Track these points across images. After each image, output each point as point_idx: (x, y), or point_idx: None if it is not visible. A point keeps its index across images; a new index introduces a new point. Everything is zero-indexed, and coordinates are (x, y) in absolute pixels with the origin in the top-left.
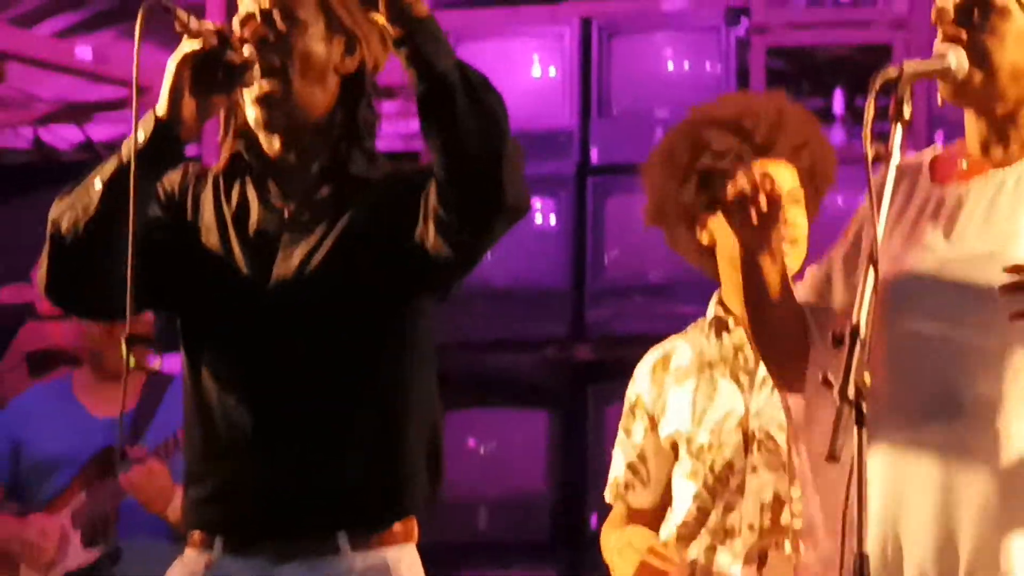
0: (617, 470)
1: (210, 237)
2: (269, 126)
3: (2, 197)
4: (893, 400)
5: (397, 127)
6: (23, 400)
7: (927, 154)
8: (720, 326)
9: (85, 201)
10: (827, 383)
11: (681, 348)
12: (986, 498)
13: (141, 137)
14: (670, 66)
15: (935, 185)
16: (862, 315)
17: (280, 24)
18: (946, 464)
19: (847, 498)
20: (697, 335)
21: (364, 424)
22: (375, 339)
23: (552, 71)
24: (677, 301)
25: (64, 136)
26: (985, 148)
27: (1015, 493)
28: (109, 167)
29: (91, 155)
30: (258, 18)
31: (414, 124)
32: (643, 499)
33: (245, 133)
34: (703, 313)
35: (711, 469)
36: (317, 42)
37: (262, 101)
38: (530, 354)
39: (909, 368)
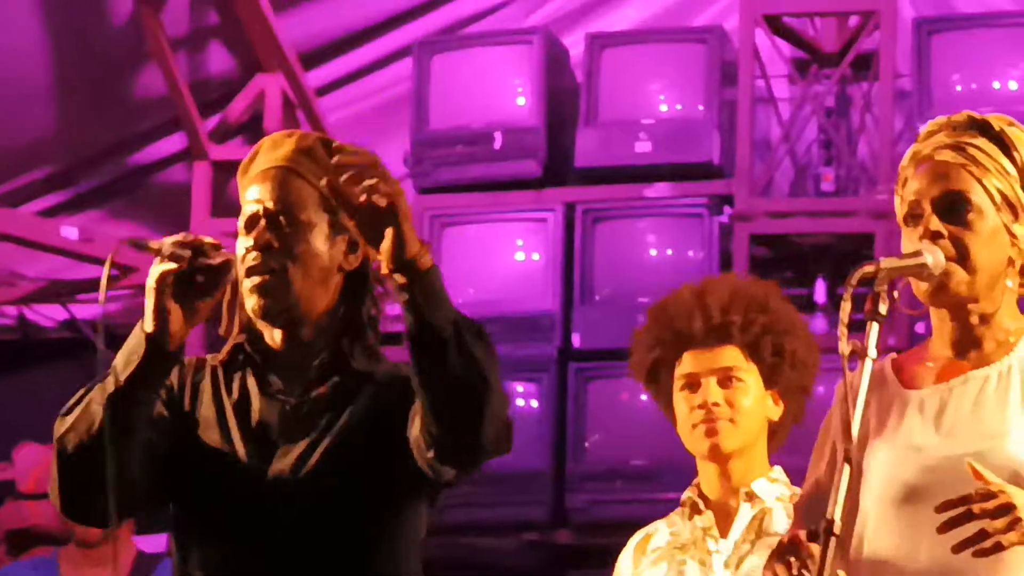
0: None
1: (209, 429)
2: (266, 315)
3: None
4: None
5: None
6: (7, 572)
7: (886, 361)
8: (693, 509)
9: (87, 421)
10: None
11: (661, 531)
12: None
13: (135, 357)
14: (653, 252)
15: (906, 390)
16: (836, 511)
17: (285, 228)
18: None
19: None
20: (676, 518)
21: None
22: (368, 539)
23: (536, 255)
24: (660, 487)
25: (48, 314)
26: (958, 349)
27: None
28: (107, 385)
29: (75, 333)
30: (262, 222)
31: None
32: None
33: (249, 327)
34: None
35: None
36: (321, 243)
37: (258, 290)
38: (511, 538)
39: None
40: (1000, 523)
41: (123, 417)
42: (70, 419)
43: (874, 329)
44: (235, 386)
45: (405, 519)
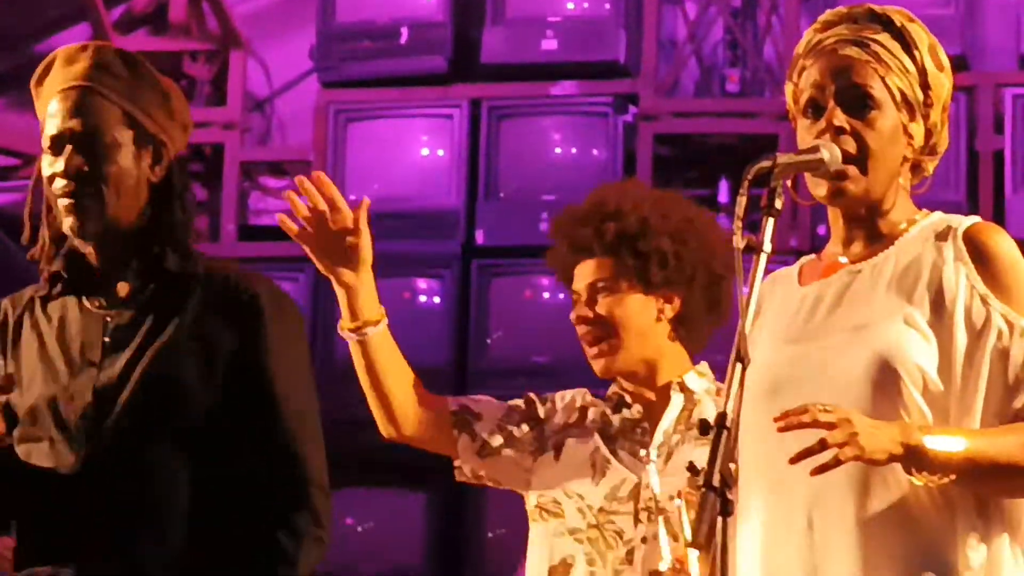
0: None
1: (31, 364)
2: (83, 234)
3: None
4: (758, 480)
5: (285, 203)
6: None
7: (800, 263)
8: (620, 402)
9: None
10: (693, 470)
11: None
12: (850, 563)
13: None
14: (558, 150)
15: (799, 288)
16: (729, 404)
17: (93, 150)
18: (811, 535)
19: None
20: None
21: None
22: (196, 443)
23: (440, 152)
24: (562, 384)
25: None
26: (847, 245)
27: (876, 555)
28: None
29: None
30: (69, 147)
31: None
32: None
33: (60, 252)
34: None
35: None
36: (128, 161)
37: (74, 211)
38: None
39: (771, 451)
40: (838, 435)
41: None
42: None
43: (769, 224)
44: (55, 315)
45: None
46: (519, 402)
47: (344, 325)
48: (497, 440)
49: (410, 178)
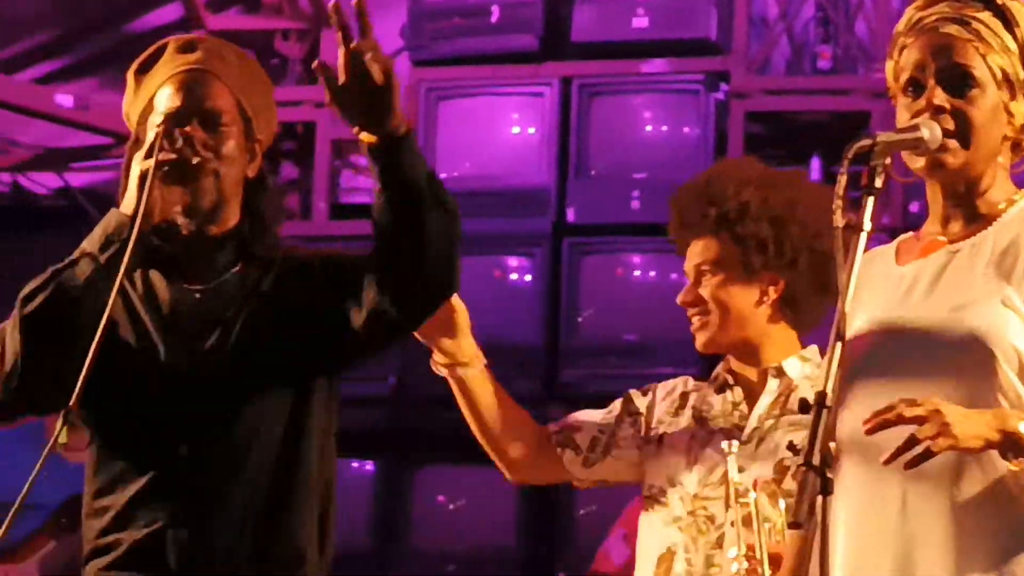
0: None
1: (120, 326)
2: (193, 211)
3: None
4: (854, 457)
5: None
6: None
7: (897, 241)
8: (724, 384)
9: (63, 301)
10: (792, 449)
11: (685, 382)
12: (944, 544)
13: (116, 237)
14: (648, 128)
15: (897, 267)
16: (829, 384)
17: (214, 128)
18: (904, 516)
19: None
20: (705, 388)
21: (259, 498)
22: (280, 415)
23: (531, 130)
24: (653, 362)
25: (42, 182)
26: (946, 224)
27: (970, 537)
28: (81, 266)
29: (69, 201)
30: (194, 120)
31: None
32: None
33: (152, 222)
34: (678, 374)
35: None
36: (239, 149)
37: (190, 185)
38: None
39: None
40: (928, 429)
41: (100, 297)
42: (39, 299)
43: (869, 203)
44: (138, 281)
45: (316, 391)
46: (617, 402)
47: (437, 360)
48: (600, 446)
49: (501, 156)
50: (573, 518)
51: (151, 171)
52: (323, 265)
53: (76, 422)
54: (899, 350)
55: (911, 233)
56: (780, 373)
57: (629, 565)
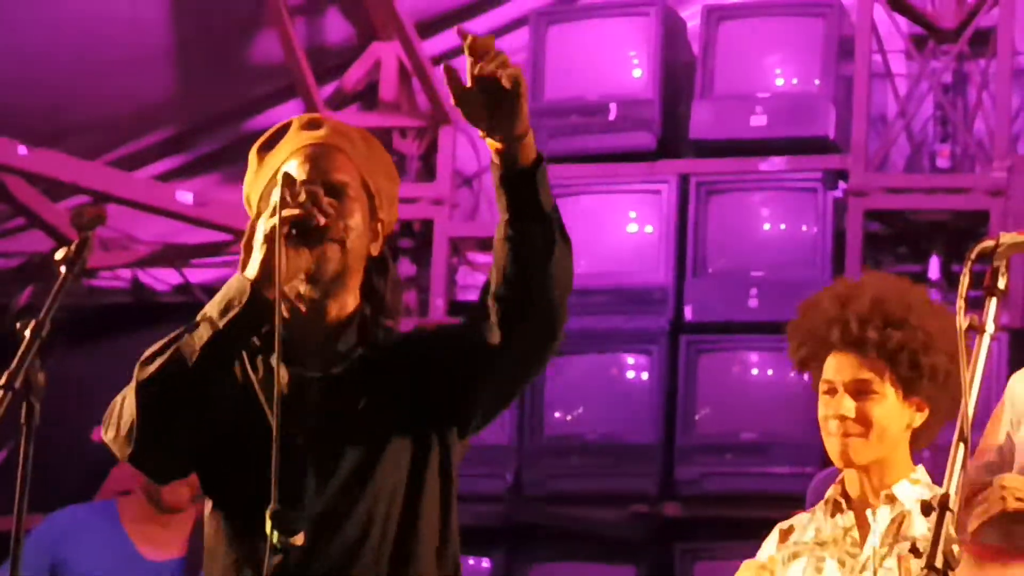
0: None
1: (241, 409)
2: (315, 280)
3: (99, 337)
4: None
5: None
6: (63, 517)
7: None
8: (836, 508)
9: (178, 367)
10: (915, 552)
11: (804, 525)
12: None
13: (236, 303)
14: (767, 226)
15: None
16: (952, 486)
17: (338, 199)
18: None
19: None
20: (819, 513)
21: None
22: (406, 502)
23: (649, 228)
24: (769, 461)
25: (162, 278)
26: None
27: None
28: (200, 332)
29: (188, 297)
30: (319, 191)
31: None
32: None
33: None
34: (795, 473)
35: None
36: (363, 223)
37: (314, 253)
38: (619, 509)
39: None
40: None
41: (218, 364)
42: (156, 363)
43: (993, 304)
44: (259, 361)
45: (436, 469)
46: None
47: None
48: None
49: (618, 254)
50: None
51: (276, 227)
52: (436, 331)
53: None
54: None
55: None
56: (891, 500)
57: None
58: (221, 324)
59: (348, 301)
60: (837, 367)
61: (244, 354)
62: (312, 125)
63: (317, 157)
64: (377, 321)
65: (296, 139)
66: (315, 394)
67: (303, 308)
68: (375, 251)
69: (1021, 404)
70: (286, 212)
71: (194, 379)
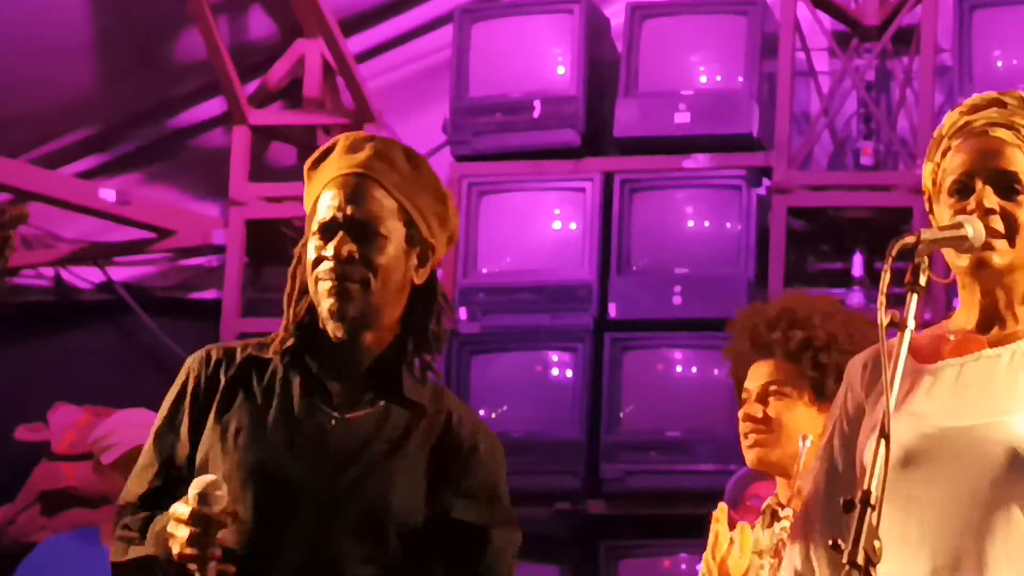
0: None
1: (242, 432)
2: (341, 318)
3: (22, 336)
4: (886, 554)
5: None
6: (45, 548)
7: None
8: (773, 516)
9: None
10: (836, 548)
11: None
12: None
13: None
14: (691, 223)
15: (920, 365)
16: (874, 482)
17: (365, 238)
18: None
19: None
20: (758, 525)
21: None
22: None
23: (573, 225)
24: (694, 458)
25: (85, 276)
26: (982, 326)
27: None
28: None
29: (111, 296)
30: (341, 232)
31: None
32: None
33: (302, 327)
34: (719, 471)
35: None
36: (398, 255)
37: (338, 294)
38: (543, 507)
39: (900, 529)
40: None
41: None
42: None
43: (914, 300)
44: (277, 389)
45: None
46: None
47: None
48: None
49: (543, 251)
50: None
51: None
52: (465, 479)
53: None
54: (937, 449)
55: (923, 330)
56: None
57: None
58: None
59: (384, 336)
60: (751, 374)
61: (256, 373)
62: (355, 148)
63: (352, 188)
64: (408, 367)
65: (337, 163)
66: (324, 436)
67: (328, 345)
68: (419, 279)
69: (857, 384)
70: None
71: None
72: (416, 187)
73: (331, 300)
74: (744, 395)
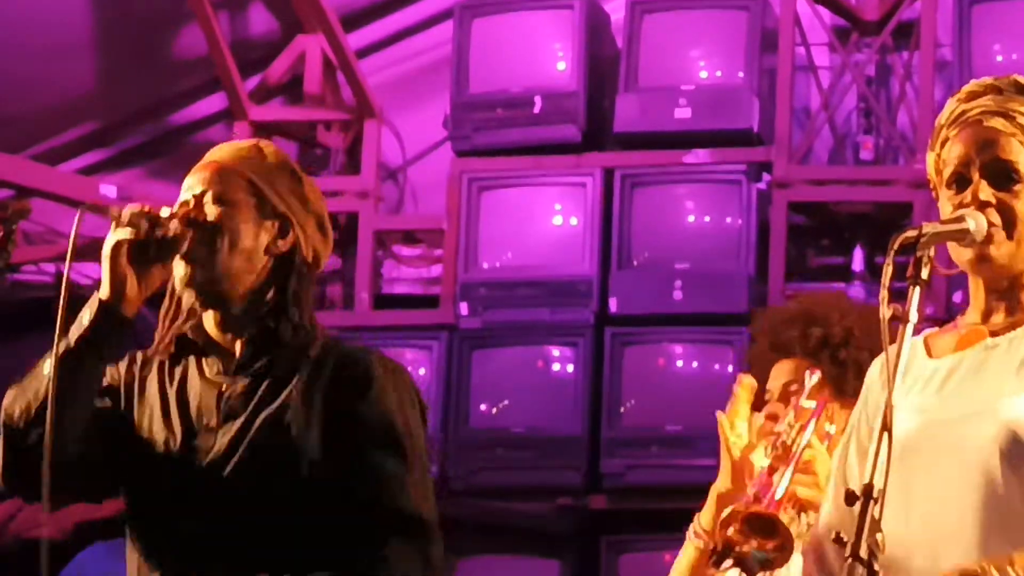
0: None
1: (153, 420)
2: (192, 282)
3: (23, 331)
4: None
5: (419, 272)
6: (83, 559)
7: (922, 335)
8: (800, 508)
9: (35, 387)
10: (839, 542)
11: None
12: None
13: (87, 320)
14: (691, 218)
15: (929, 359)
16: (876, 475)
17: (213, 205)
18: None
19: None
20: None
21: None
22: (302, 516)
23: (574, 220)
24: (694, 453)
25: (87, 273)
26: (987, 316)
27: None
28: (56, 350)
29: None
30: (191, 203)
31: (435, 270)
32: None
33: (192, 315)
34: (720, 465)
35: None
36: (248, 222)
37: (186, 258)
38: (544, 502)
39: (895, 520)
40: None
41: (69, 382)
42: (19, 386)
43: (916, 294)
44: (177, 374)
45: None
46: None
47: None
48: None
49: (543, 246)
50: None
51: (114, 247)
52: (354, 423)
53: None
54: (933, 441)
55: (935, 328)
56: None
57: None
58: (72, 342)
59: (249, 303)
60: (773, 375)
61: (166, 366)
62: (219, 150)
63: (206, 173)
64: (281, 321)
65: (200, 163)
66: (216, 403)
67: (207, 326)
68: (278, 248)
69: (876, 394)
70: (117, 235)
71: (54, 400)
72: (266, 166)
73: (180, 266)
74: (767, 396)
